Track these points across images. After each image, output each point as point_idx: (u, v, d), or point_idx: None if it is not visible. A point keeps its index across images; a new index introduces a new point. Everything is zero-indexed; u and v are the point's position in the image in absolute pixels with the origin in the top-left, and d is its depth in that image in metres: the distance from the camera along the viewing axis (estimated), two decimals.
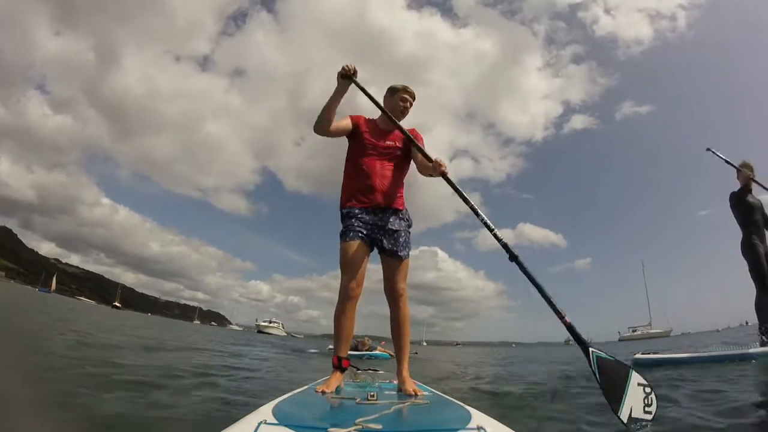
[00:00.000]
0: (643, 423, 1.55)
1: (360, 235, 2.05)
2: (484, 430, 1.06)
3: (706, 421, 1.72)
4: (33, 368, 2.67)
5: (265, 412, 1.17)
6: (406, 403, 1.46)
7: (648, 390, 1.63)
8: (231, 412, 2.00)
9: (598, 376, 1.71)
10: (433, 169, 2.08)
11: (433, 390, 2.02)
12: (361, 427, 1.02)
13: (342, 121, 2.23)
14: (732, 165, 4.35)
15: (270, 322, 73.38)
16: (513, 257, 1.99)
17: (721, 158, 4.41)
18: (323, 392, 1.75)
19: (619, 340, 66.80)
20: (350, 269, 2.01)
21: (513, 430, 1.12)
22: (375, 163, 2.18)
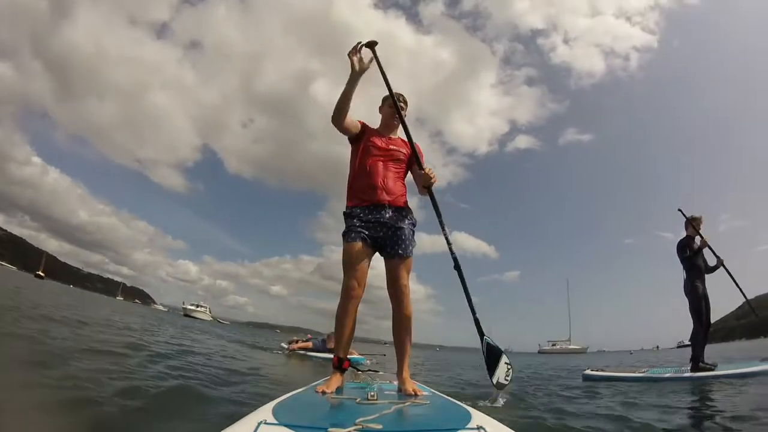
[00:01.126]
0: (506, 385, 2.27)
1: (362, 235, 2.06)
2: (484, 430, 1.06)
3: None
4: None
5: (265, 412, 1.17)
6: (406, 403, 1.47)
7: (509, 366, 2.28)
8: (231, 413, 2.00)
9: (486, 355, 2.28)
10: (423, 178, 2.22)
11: (433, 390, 2.03)
12: (361, 427, 1.02)
13: (353, 120, 2.27)
14: (693, 227, 5.04)
15: (198, 306, 71.20)
16: (457, 267, 2.29)
17: (685, 217, 5.10)
18: (323, 392, 1.75)
19: (539, 352, 70.30)
20: (352, 269, 2.01)
21: (513, 430, 1.12)
22: (378, 163, 2.21)
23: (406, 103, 2.41)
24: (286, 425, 1.04)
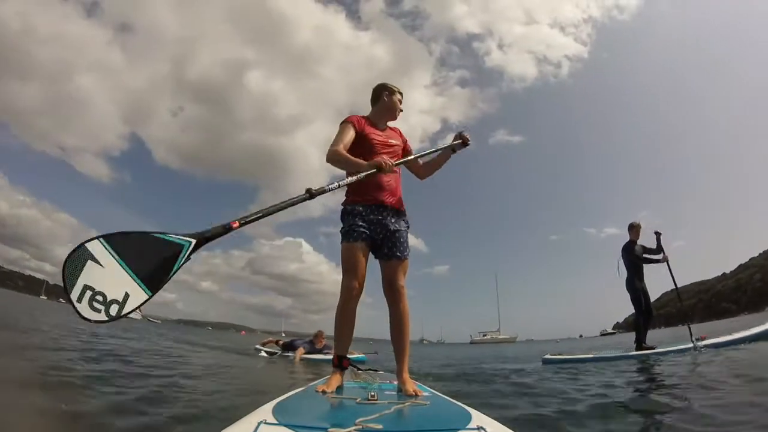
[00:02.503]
0: None
1: (364, 236, 2.05)
2: (484, 430, 1.06)
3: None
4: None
5: (265, 412, 1.17)
6: (407, 404, 1.46)
7: None
8: (231, 412, 2.00)
9: None
10: (459, 143, 2.34)
11: (434, 390, 2.02)
12: (361, 427, 1.02)
13: (348, 136, 2.17)
14: (662, 251, 6.10)
15: None
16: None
17: (658, 241, 6.13)
18: (323, 392, 1.75)
19: (471, 342, 73.24)
20: (353, 270, 2.00)
21: (513, 430, 1.12)
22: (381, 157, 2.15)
23: (402, 95, 2.42)
24: (286, 425, 1.04)
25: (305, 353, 7.70)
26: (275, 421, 1.06)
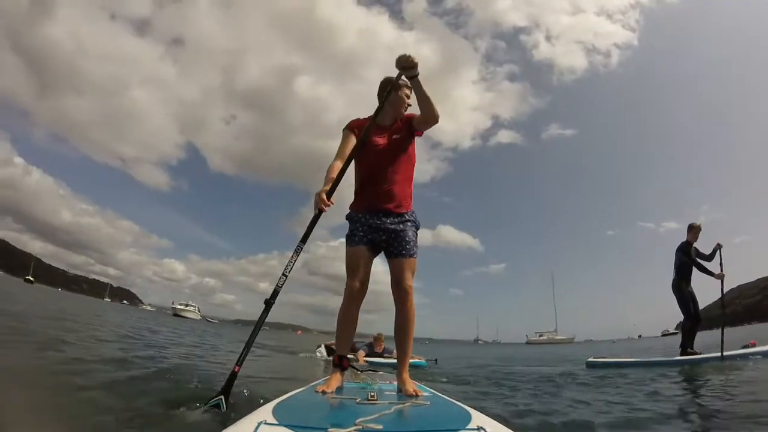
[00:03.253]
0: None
1: (364, 240, 2.07)
2: (484, 430, 1.06)
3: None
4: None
5: (265, 412, 1.17)
6: (407, 404, 1.47)
7: None
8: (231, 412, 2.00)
9: None
10: (404, 65, 2.00)
11: (433, 390, 2.02)
12: (361, 427, 1.02)
13: (348, 146, 2.17)
14: (720, 265, 5.67)
15: (186, 305, 71.49)
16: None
17: (716, 252, 5.68)
18: (323, 392, 1.75)
19: (527, 342, 71.06)
20: (355, 272, 2.03)
21: (513, 430, 1.12)
22: (383, 164, 2.15)
23: (410, 89, 2.22)
24: (286, 425, 1.04)
25: (366, 356, 7.30)
26: (275, 421, 1.06)
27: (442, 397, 1.84)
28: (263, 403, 1.39)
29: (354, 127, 2.22)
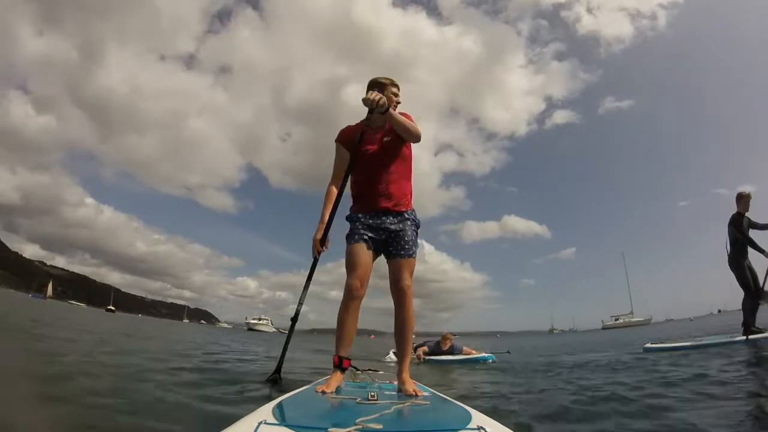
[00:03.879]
0: None
1: (364, 238, 2.09)
2: (484, 430, 1.06)
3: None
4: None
5: (265, 412, 1.17)
6: (407, 404, 1.47)
7: None
8: (231, 412, 2.00)
9: None
10: (370, 107, 2.08)
11: (434, 390, 2.02)
12: (361, 427, 1.02)
13: (341, 161, 2.26)
14: (743, 203, 5.36)
15: (260, 319, 73.30)
16: None
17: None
18: (323, 392, 1.75)
19: (603, 328, 68.24)
20: (354, 271, 2.04)
21: (513, 430, 1.12)
22: (377, 167, 2.18)
23: (398, 87, 2.29)
24: (286, 425, 1.03)
25: (428, 353, 7.35)
26: (275, 421, 1.06)
27: (442, 397, 1.84)
28: (263, 403, 1.39)
29: (343, 137, 2.27)
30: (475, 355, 6.89)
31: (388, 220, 2.13)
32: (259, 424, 1.01)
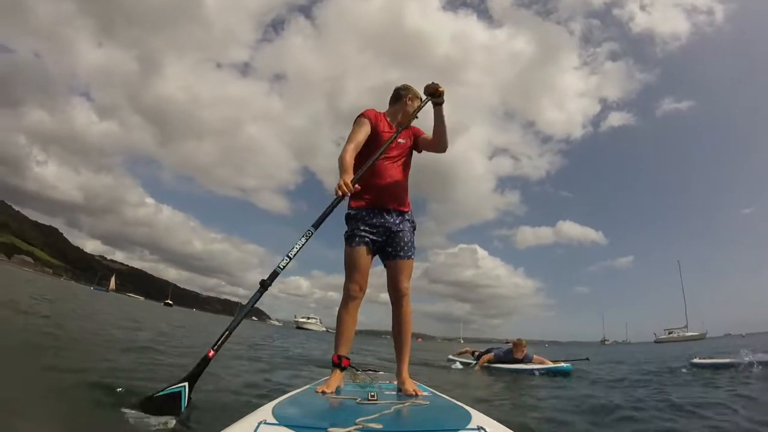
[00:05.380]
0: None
1: (365, 240, 2.07)
2: (484, 430, 1.06)
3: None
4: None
5: (265, 412, 1.17)
6: (407, 404, 1.47)
7: None
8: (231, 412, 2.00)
9: None
10: (432, 92, 2.14)
11: (434, 390, 2.02)
12: (361, 426, 1.02)
13: (362, 133, 2.15)
14: None
15: (308, 318, 74.40)
16: None
17: None
18: (323, 392, 1.76)
19: (655, 341, 65.55)
20: (354, 273, 2.05)
21: (513, 430, 1.12)
22: (386, 163, 2.17)
23: (421, 100, 2.31)
24: (286, 425, 1.04)
25: (498, 362, 6.85)
26: (275, 421, 1.06)
27: (442, 396, 1.84)
28: (263, 403, 1.39)
29: (369, 116, 2.21)
30: (550, 365, 6.32)
31: (390, 219, 2.12)
32: (259, 424, 1.02)
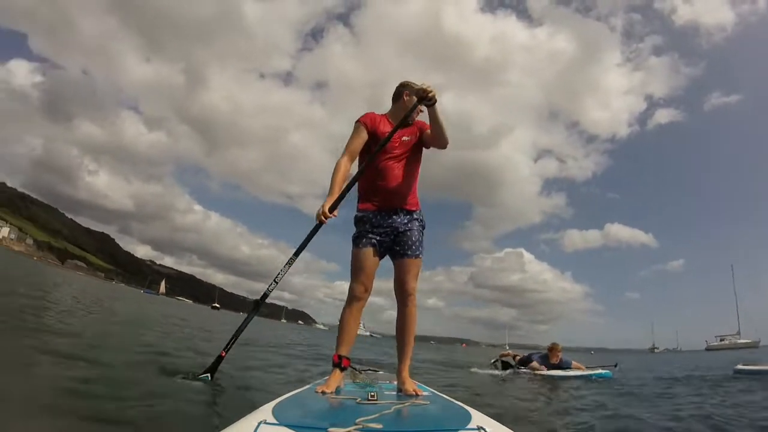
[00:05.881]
0: None
1: (372, 242, 2.07)
2: (484, 430, 1.07)
3: None
4: None
5: (265, 412, 1.17)
6: (407, 404, 1.47)
7: None
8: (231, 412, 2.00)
9: None
10: (422, 96, 2.06)
11: (434, 390, 2.02)
12: (361, 426, 1.02)
13: (358, 140, 2.18)
14: None
15: None
16: None
17: None
18: (323, 392, 1.76)
19: (706, 349, 63.54)
20: (360, 275, 2.05)
21: (513, 430, 1.12)
22: (390, 163, 2.15)
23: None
24: (286, 425, 1.04)
25: (540, 368, 6.75)
26: (275, 421, 1.06)
27: (442, 396, 1.84)
28: (263, 403, 1.39)
29: (364, 121, 2.21)
30: (589, 372, 6.23)
31: (398, 219, 2.11)
32: (259, 424, 1.02)
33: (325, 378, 2.02)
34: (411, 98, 2.22)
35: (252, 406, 1.30)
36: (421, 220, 2.20)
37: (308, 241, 2.24)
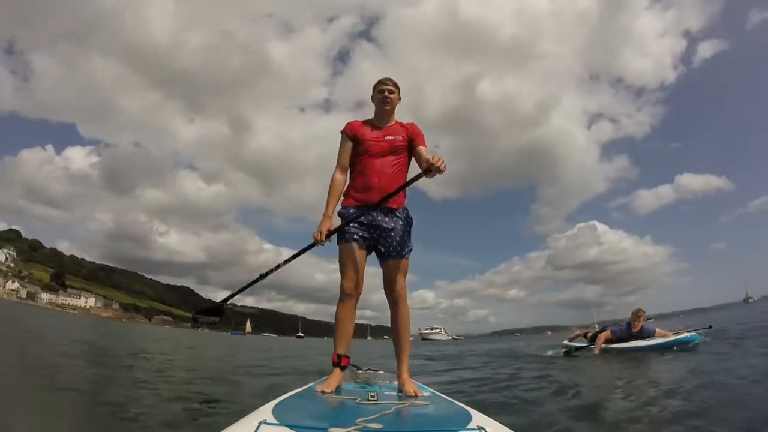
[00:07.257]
0: None
1: (355, 237, 2.08)
2: (484, 430, 1.07)
3: None
4: None
5: (265, 412, 1.17)
6: (407, 404, 1.47)
7: None
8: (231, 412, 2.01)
9: None
10: (429, 168, 1.97)
11: (434, 390, 2.02)
12: (361, 427, 1.02)
13: (344, 150, 2.24)
14: None
15: (432, 329, 76.12)
16: None
17: None
18: (323, 392, 1.76)
19: None
20: (347, 271, 2.06)
21: (513, 430, 1.12)
22: (374, 161, 2.16)
23: (396, 86, 2.25)
24: (286, 425, 1.04)
25: (612, 340, 6.09)
26: (275, 421, 1.06)
27: (442, 397, 1.84)
28: (263, 403, 1.39)
29: (345, 130, 2.26)
30: (673, 337, 5.52)
31: (379, 217, 2.11)
32: (260, 424, 1.02)
33: (325, 377, 2.02)
34: (375, 93, 2.24)
35: (252, 406, 1.30)
36: (406, 218, 2.18)
37: (302, 253, 2.20)
